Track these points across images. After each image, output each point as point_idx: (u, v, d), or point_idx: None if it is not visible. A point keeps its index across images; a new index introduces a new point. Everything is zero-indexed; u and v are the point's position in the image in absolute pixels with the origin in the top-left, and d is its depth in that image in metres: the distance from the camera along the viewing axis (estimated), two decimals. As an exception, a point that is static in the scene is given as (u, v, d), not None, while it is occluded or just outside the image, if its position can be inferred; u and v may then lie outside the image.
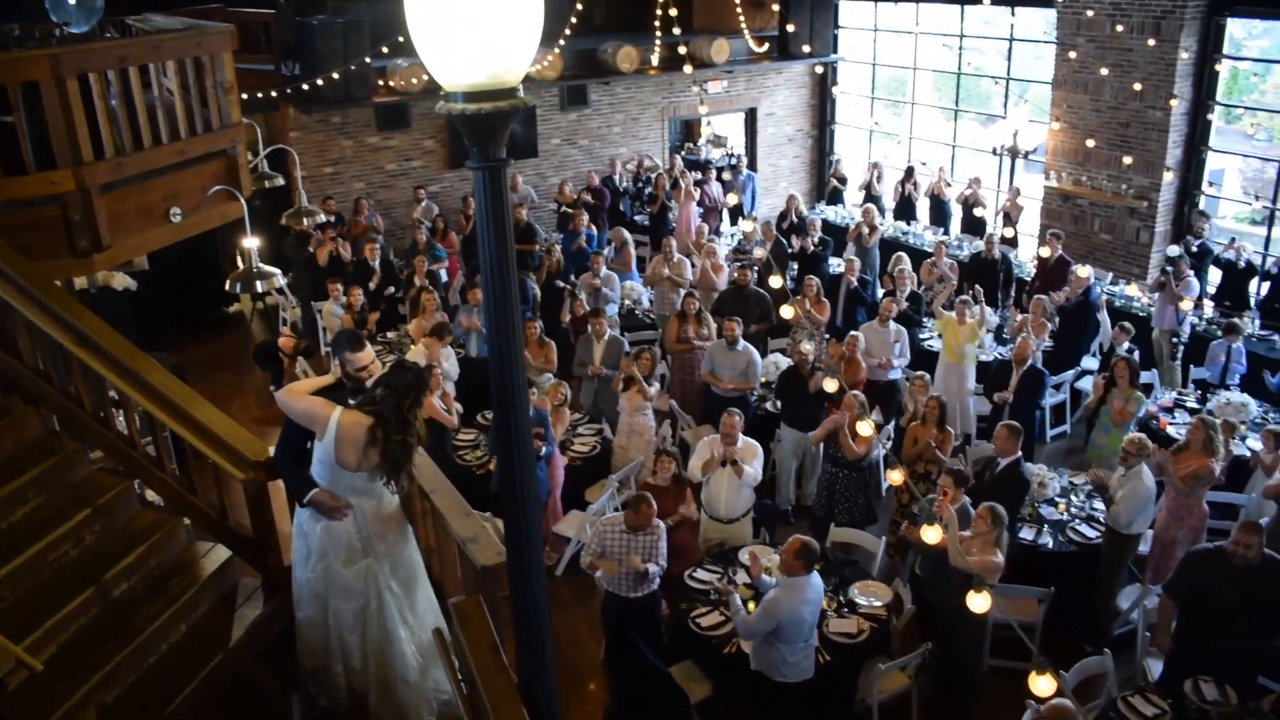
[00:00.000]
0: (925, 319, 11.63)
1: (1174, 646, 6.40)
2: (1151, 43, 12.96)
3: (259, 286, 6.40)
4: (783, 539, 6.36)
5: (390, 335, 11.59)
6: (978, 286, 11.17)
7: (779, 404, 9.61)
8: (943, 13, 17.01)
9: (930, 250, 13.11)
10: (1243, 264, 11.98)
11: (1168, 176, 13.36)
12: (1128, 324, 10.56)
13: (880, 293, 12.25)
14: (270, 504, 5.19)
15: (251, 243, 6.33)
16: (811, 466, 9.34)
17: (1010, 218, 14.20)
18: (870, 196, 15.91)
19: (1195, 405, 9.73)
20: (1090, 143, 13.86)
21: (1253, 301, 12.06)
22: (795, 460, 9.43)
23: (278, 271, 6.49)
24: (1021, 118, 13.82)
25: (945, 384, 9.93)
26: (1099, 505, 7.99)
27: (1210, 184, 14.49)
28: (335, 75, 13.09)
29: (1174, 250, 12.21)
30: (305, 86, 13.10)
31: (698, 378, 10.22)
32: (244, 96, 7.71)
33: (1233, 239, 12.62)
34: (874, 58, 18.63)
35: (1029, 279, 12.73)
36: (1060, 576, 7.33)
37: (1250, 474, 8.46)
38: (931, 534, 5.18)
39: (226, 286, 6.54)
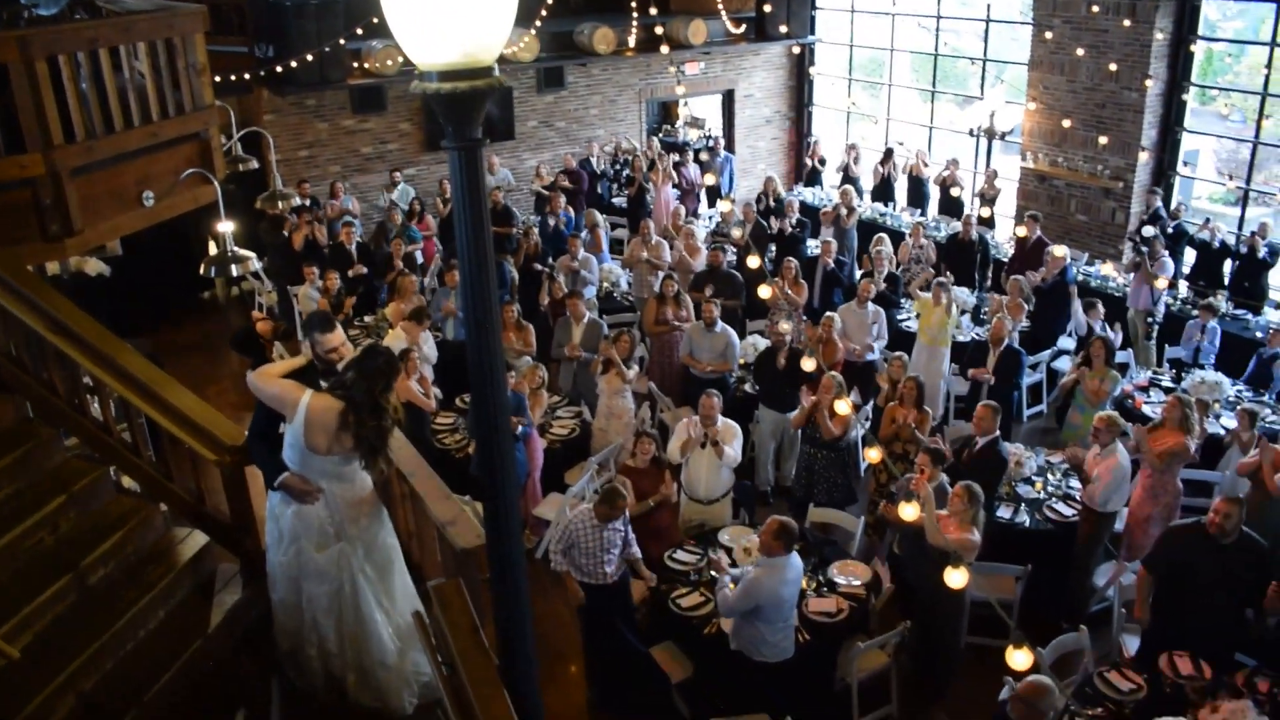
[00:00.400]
0: (903, 300, 11.68)
1: (1151, 622, 6.47)
2: (1127, 23, 13.00)
3: (234, 270, 6.36)
4: (762, 520, 6.38)
5: (367, 319, 11.53)
6: (948, 274, 11.21)
7: (757, 385, 9.63)
8: (919, -6, 17.03)
9: (908, 231, 13.15)
10: (1217, 244, 12.08)
11: (1143, 157, 13.44)
12: (1097, 302, 10.66)
13: (858, 274, 12.29)
14: (248, 489, 5.17)
15: (226, 227, 6.29)
16: (790, 447, 9.37)
17: (987, 199, 14.25)
18: (848, 178, 15.92)
19: (1170, 384, 9.81)
20: (1066, 123, 13.93)
21: (1226, 281, 12.17)
22: (774, 441, 9.46)
23: (253, 255, 6.45)
24: (998, 99, 13.88)
25: (921, 365, 9.96)
26: (1075, 484, 8.06)
27: (1185, 164, 14.59)
28: (309, 57, 12.96)
29: (1149, 230, 12.29)
30: (279, 69, 12.97)
31: (676, 360, 10.23)
32: (217, 79, 7.62)
33: (1207, 219, 12.72)
34: (851, 39, 18.62)
35: (1006, 260, 12.79)
36: (1037, 554, 7.39)
37: (1224, 452, 8.55)
38: (909, 511, 5.21)
39: (201, 271, 6.49)
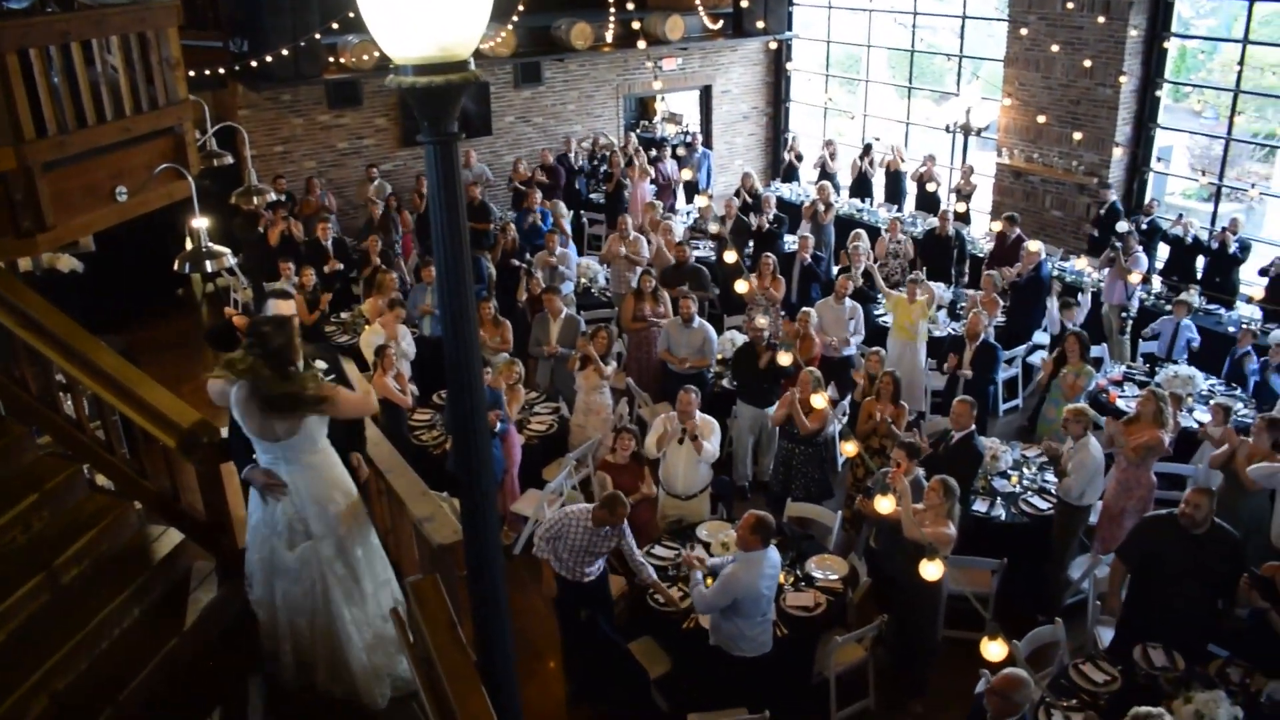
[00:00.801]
0: (878, 296, 11.72)
1: (1124, 613, 6.53)
2: (1101, 20, 13.09)
3: (209, 266, 6.30)
4: (740, 515, 6.39)
5: (344, 315, 11.47)
6: (920, 271, 11.27)
7: (735, 381, 9.65)
8: (896, -10, 17.07)
9: (885, 227, 13.20)
10: (1190, 240, 12.18)
11: (1117, 153, 13.55)
12: (1070, 299, 10.76)
13: (835, 269, 12.33)
14: (223, 486, 5.13)
15: (200, 222, 6.23)
16: (768, 442, 9.39)
17: (963, 194, 14.32)
18: (825, 174, 15.96)
19: (1144, 379, 9.90)
20: (1041, 119, 14.01)
21: (1199, 276, 12.27)
22: (752, 436, 9.48)
23: (227, 251, 6.39)
24: (974, 95, 13.92)
25: (897, 360, 10.00)
26: (1050, 477, 8.12)
27: (1159, 160, 14.71)
28: (284, 52, 12.87)
29: (1123, 226, 12.37)
30: (254, 63, 12.88)
31: (654, 355, 10.23)
32: (191, 74, 7.56)
33: (1180, 215, 12.83)
34: (828, 35, 18.67)
35: (983, 255, 12.86)
36: (1013, 548, 7.46)
37: (1197, 446, 8.64)
38: (885, 504, 5.24)
39: (175, 267, 6.43)
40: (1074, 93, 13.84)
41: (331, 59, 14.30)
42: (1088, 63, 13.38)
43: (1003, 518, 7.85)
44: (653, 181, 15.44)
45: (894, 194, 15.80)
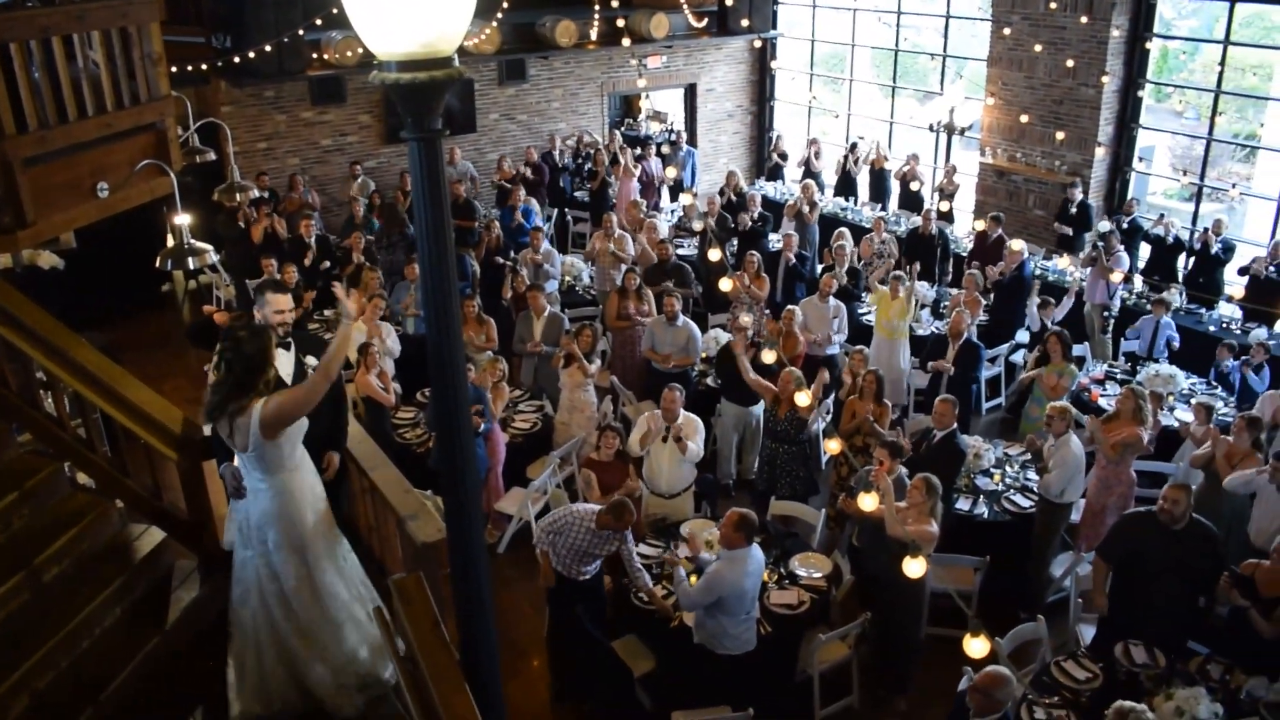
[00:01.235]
0: (864, 294, 11.75)
1: (1106, 610, 6.56)
2: (1084, 20, 13.16)
3: (191, 263, 6.27)
4: (724, 513, 6.40)
5: (327, 313, 11.43)
6: (916, 264, 11.30)
7: (719, 379, 9.65)
8: (880, -11, 17.11)
9: (870, 226, 13.24)
10: (1171, 239, 12.25)
11: (1100, 153, 13.63)
12: (1049, 297, 10.84)
13: (820, 268, 12.36)
14: (205, 484, 5.11)
15: (183, 219, 6.19)
16: (752, 441, 9.40)
17: (946, 193, 14.37)
18: (809, 173, 15.99)
19: (1125, 377, 9.95)
20: (1024, 119, 14.07)
21: (1180, 276, 12.35)
22: (736, 435, 9.50)
23: (210, 248, 6.36)
24: (958, 95, 13.96)
25: (879, 359, 10.03)
26: (1033, 475, 8.17)
27: (1141, 160, 14.79)
28: (267, 48, 12.80)
29: (1105, 225, 12.46)
30: (236, 59, 12.81)
31: (638, 354, 10.23)
32: (173, 70, 7.52)
33: (1161, 215, 12.91)
34: (813, 34, 18.70)
35: (965, 254, 12.91)
36: (995, 545, 7.48)
37: (1179, 445, 8.69)
38: (868, 501, 5.25)
39: (157, 264, 6.40)
40: (1057, 93, 13.91)
41: (315, 55, 14.25)
42: (1070, 63, 13.45)
43: (985, 515, 7.89)
44: (637, 180, 15.44)
45: (878, 193, 15.83)
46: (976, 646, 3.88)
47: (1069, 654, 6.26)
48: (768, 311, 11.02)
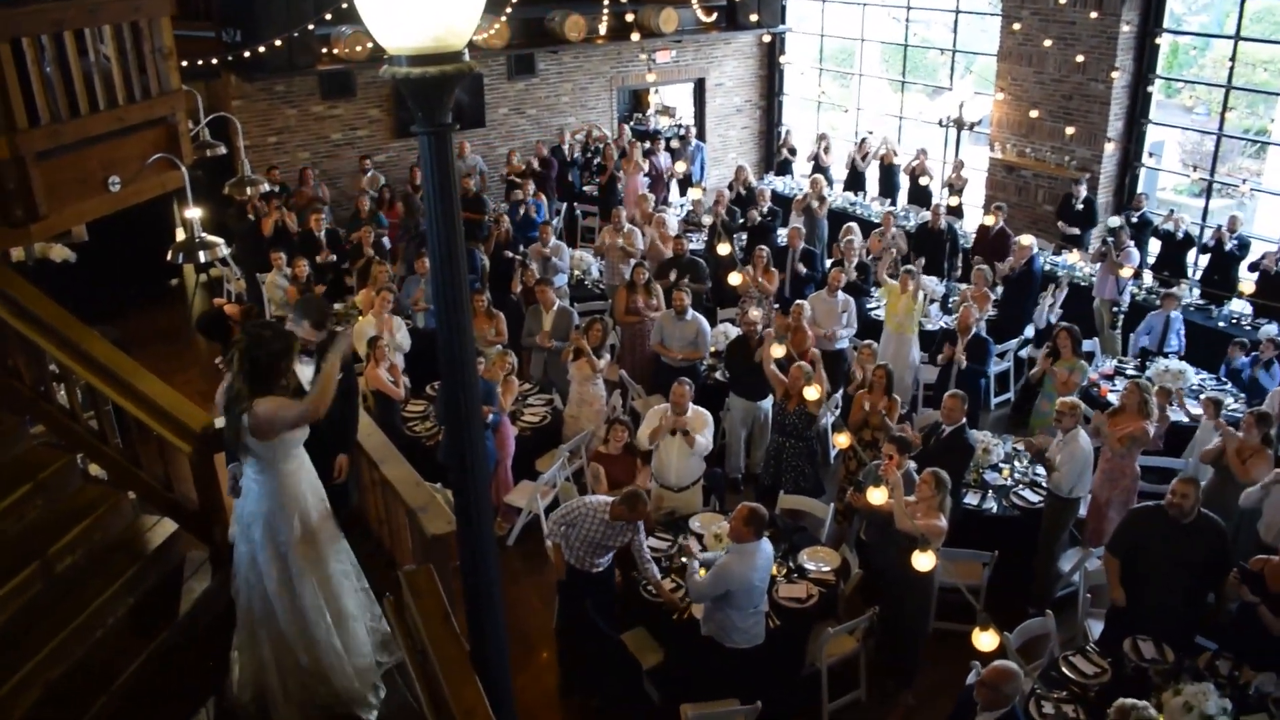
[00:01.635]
0: (873, 289, 11.74)
1: (1114, 606, 6.56)
2: (1094, 16, 13.13)
3: (201, 257, 6.30)
4: (732, 506, 6.41)
5: (338, 307, 11.45)
6: (921, 259, 11.29)
7: (728, 374, 9.66)
8: (890, -16, 17.07)
9: (879, 221, 13.22)
10: (1180, 235, 12.22)
11: (1109, 148, 13.59)
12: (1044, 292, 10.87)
13: (828, 263, 12.34)
14: (216, 476, 5.14)
15: (194, 213, 6.22)
16: (761, 435, 9.40)
17: (955, 188, 14.35)
18: (818, 167, 15.97)
19: (1135, 373, 9.93)
20: (1034, 114, 14.05)
21: (1190, 272, 12.31)
22: (744, 429, 9.50)
23: (220, 241, 6.38)
24: (967, 90, 13.94)
25: (889, 353, 10.02)
26: (1042, 470, 8.15)
27: (1150, 155, 14.75)
28: (278, 42, 12.81)
29: (1115, 221, 12.44)
30: (247, 54, 12.83)
31: (647, 348, 10.24)
32: (184, 64, 7.52)
33: (1171, 210, 12.88)
34: (822, 28, 18.67)
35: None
36: (1004, 541, 7.48)
37: (1188, 441, 8.67)
38: (877, 495, 5.26)
39: (168, 257, 6.43)
40: (1066, 88, 13.88)
41: (325, 50, 14.25)
42: (1080, 58, 13.41)
43: (994, 510, 7.88)
44: (646, 174, 15.44)
45: (887, 188, 15.82)
46: (986, 640, 3.90)
47: (1077, 649, 6.26)
48: (776, 306, 11.02)
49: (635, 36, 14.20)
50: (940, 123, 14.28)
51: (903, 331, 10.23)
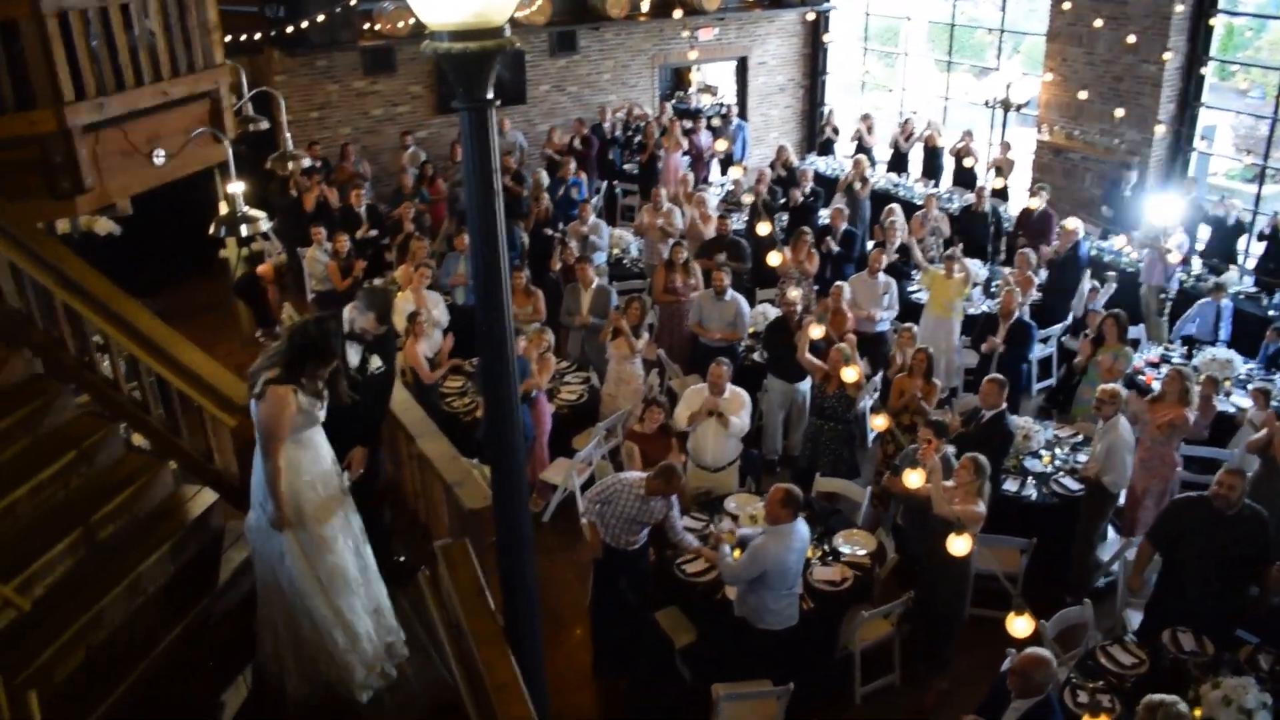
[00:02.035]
0: (914, 272, 11.63)
1: (1153, 597, 6.48)
2: (1147, -5, 12.86)
3: (244, 231, 6.34)
4: (767, 488, 6.39)
5: (377, 282, 11.51)
6: (960, 244, 11.17)
7: (766, 354, 9.62)
8: (937, -38, 16.84)
9: (921, 203, 13.08)
10: (1231, 221, 11.98)
11: (1160, 131, 13.32)
12: (1095, 282, 10.63)
13: (869, 245, 12.24)
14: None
15: (236, 187, 6.26)
16: (798, 417, 9.35)
17: (1001, 171, 14.16)
18: (861, 148, 15.82)
19: (1181, 361, 9.76)
20: (1083, 95, 13.79)
21: (1240, 259, 12.07)
22: (782, 411, 9.45)
23: (263, 215, 6.42)
24: (1015, 70, 13.73)
25: (931, 337, 9.93)
26: (1083, 458, 8.04)
27: (1203, 139, 14.47)
28: (320, 18, 12.89)
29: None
30: (290, 29, 12.91)
31: (685, 328, 10.21)
32: (228, 39, 7.59)
33: (1222, 196, 12.63)
34: (867, 6, 18.44)
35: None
36: (1042, 528, 7.40)
37: (1235, 431, 8.53)
38: (914, 478, 5.21)
39: (211, 231, 6.48)
40: (1117, 69, 13.61)
41: (367, 25, 14.31)
42: (1132, 38, 13.13)
43: (1033, 497, 7.79)
44: (686, 153, 15.36)
45: (931, 169, 15.63)
46: (1020, 626, 3.86)
47: (1115, 639, 6.20)
48: (816, 287, 10.94)
49: (678, 14, 14.10)
50: (986, 103, 14.09)
51: (944, 315, 10.12)
